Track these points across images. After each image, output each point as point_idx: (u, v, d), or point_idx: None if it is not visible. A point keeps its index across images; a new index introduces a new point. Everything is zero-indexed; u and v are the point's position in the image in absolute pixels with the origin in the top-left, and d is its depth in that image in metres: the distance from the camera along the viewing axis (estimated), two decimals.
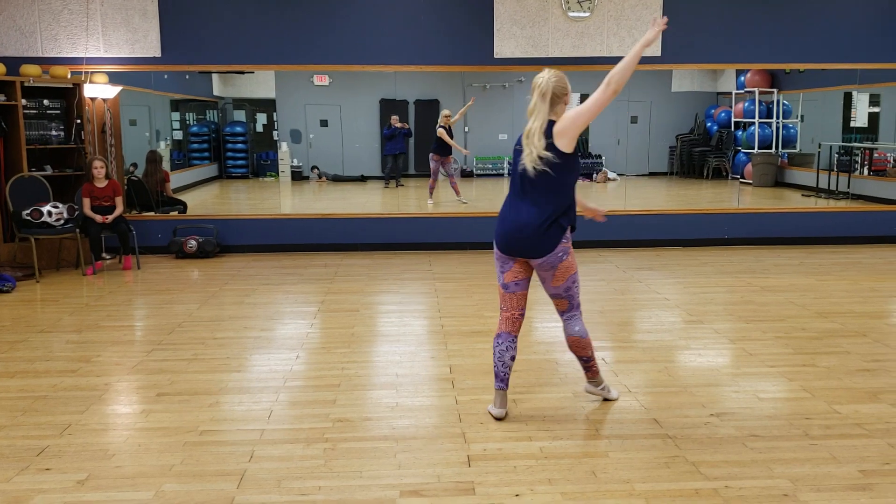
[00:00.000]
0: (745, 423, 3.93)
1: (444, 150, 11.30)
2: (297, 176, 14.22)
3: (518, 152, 3.82)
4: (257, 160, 14.62)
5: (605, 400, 4.25)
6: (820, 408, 4.13)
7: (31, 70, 7.88)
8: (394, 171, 13.22)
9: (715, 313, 6.16)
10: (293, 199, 13.67)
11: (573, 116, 3.68)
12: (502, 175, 14.69)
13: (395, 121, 12.86)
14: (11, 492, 3.22)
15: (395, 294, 7.07)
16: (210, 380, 4.62)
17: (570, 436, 3.79)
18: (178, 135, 13.35)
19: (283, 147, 14.26)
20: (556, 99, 3.72)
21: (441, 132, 11.19)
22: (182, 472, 3.39)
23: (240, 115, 14.75)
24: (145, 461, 3.51)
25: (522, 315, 4.01)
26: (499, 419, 3.97)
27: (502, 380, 3.98)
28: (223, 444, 3.69)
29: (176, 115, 13.23)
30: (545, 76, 3.74)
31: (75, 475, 3.36)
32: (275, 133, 14.35)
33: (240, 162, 14.64)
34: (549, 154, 3.66)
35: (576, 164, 3.78)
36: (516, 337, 4.00)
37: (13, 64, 8.03)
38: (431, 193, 11.28)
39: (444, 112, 11.56)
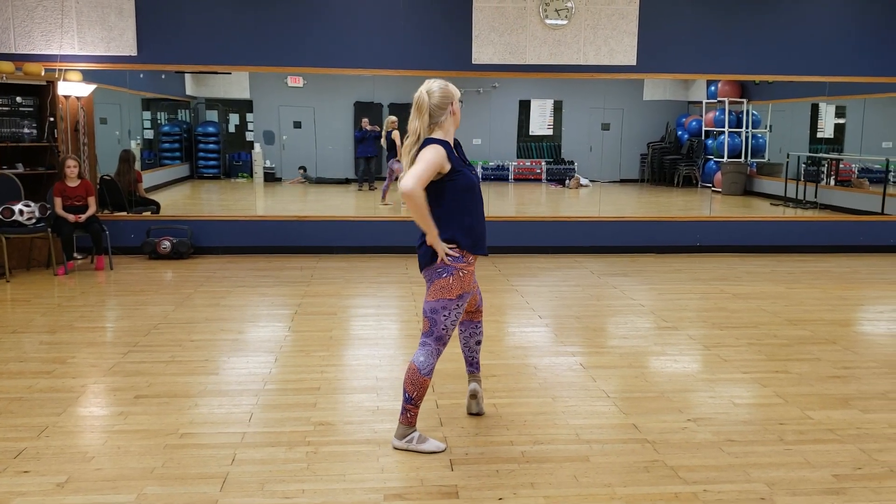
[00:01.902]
0: (722, 429, 3.99)
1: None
2: (270, 177, 14.18)
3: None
4: (229, 161, 14.55)
5: (422, 453, 3.65)
6: (793, 413, 4.21)
7: (5, 66, 7.77)
8: (366, 173, 13.25)
9: (689, 319, 6.25)
10: (267, 200, 13.61)
11: (417, 166, 3.42)
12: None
13: (365, 123, 12.90)
14: None
15: (372, 297, 7.07)
16: (188, 382, 4.59)
17: (551, 440, 3.82)
18: (150, 134, 13.22)
19: (257, 148, 14.22)
20: (439, 111, 3.52)
21: (395, 135, 11.39)
22: (164, 475, 3.37)
23: (212, 116, 14.66)
24: (126, 464, 3.48)
25: (479, 310, 4.06)
26: (475, 395, 4.11)
27: (471, 363, 4.10)
28: (204, 447, 3.67)
29: (147, 115, 13.11)
30: (423, 90, 3.53)
31: (54, 478, 3.33)
32: (251, 134, 14.30)
33: (212, 162, 14.56)
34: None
35: (447, 185, 3.52)
36: (479, 322, 4.07)
37: None
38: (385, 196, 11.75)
39: (391, 118, 11.71)
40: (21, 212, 7.40)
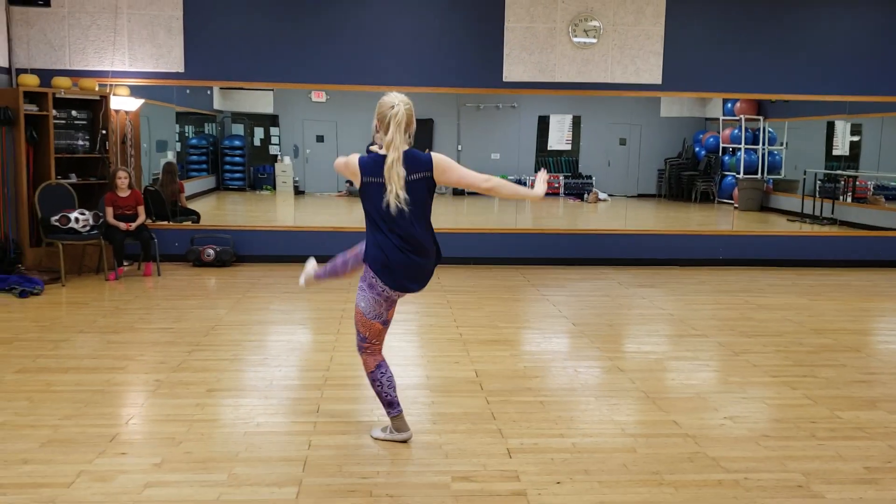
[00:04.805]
0: (757, 426, 4.28)
1: None
2: (295, 190, 14.54)
3: (375, 185, 3.61)
4: (254, 173, 14.94)
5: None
6: (823, 413, 4.50)
7: (63, 82, 8.16)
8: None
9: (717, 328, 6.53)
10: (296, 211, 13.96)
11: (456, 173, 3.68)
12: None
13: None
14: (95, 472, 3.49)
15: (411, 304, 7.36)
16: (254, 378, 4.92)
17: (599, 433, 4.12)
18: (177, 146, 13.60)
19: (286, 161, 14.60)
20: (409, 127, 3.66)
21: None
22: (248, 458, 3.68)
23: (238, 129, 15.06)
24: (212, 448, 3.80)
25: None
26: (409, 439, 3.95)
27: (398, 403, 3.92)
28: (281, 435, 3.99)
29: (175, 128, 13.49)
30: (399, 106, 3.61)
31: (150, 459, 3.65)
32: (275, 147, 14.67)
33: (237, 175, 14.95)
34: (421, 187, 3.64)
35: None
36: None
37: (42, 76, 8.33)
38: None
39: None
40: (76, 219, 7.76)
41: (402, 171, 3.57)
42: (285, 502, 3.25)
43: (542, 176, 3.83)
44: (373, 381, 3.89)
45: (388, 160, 3.57)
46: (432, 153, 3.69)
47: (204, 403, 4.44)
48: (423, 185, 3.64)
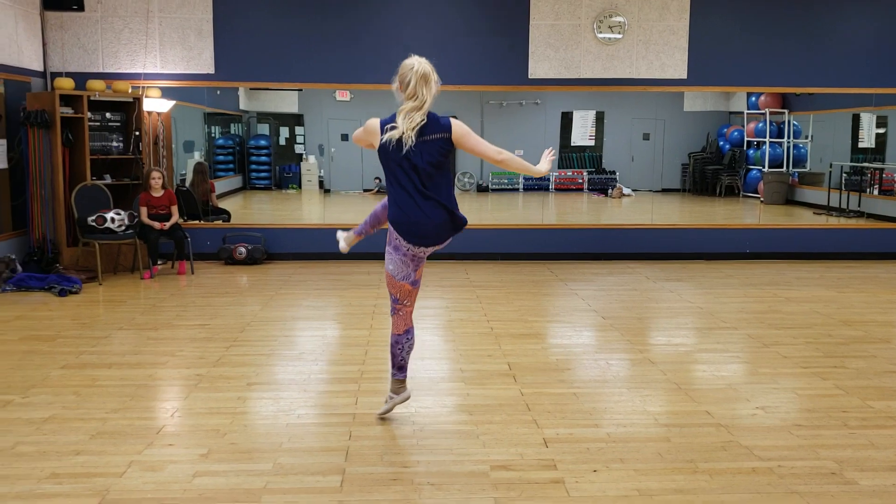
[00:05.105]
0: (789, 415, 4.34)
1: None
2: (320, 188, 14.69)
3: (392, 141, 3.74)
4: (280, 172, 15.11)
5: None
6: (854, 403, 4.54)
7: (97, 85, 8.34)
8: None
9: (746, 321, 6.57)
10: (324, 209, 14.10)
11: (473, 140, 3.83)
12: (517, 190, 15.17)
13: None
14: (146, 462, 3.62)
15: (440, 299, 7.47)
16: (292, 371, 5.03)
17: (632, 424, 4.19)
18: (204, 146, 13.78)
19: (311, 159, 14.75)
20: (433, 85, 3.77)
21: None
22: (292, 449, 3.79)
23: (263, 129, 15.23)
24: (255, 440, 3.92)
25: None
26: (408, 398, 4.23)
27: (406, 369, 4.19)
28: (322, 426, 4.10)
29: (203, 128, 13.66)
30: (421, 64, 3.75)
31: (197, 450, 3.77)
32: (300, 147, 14.83)
33: (263, 174, 15.13)
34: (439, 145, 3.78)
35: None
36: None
37: (77, 79, 8.51)
38: None
39: None
40: (113, 220, 7.92)
41: (418, 119, 3.71)
42: (330, 490, 3.35)
43: (548, 155, 4.12)
44: (395, 343, 4.11)
45: (407, 105, 3.73)
46: (452, 119, 3.86)
47: (245, 397, 4.56)
48: (441, 145, 3.79)
